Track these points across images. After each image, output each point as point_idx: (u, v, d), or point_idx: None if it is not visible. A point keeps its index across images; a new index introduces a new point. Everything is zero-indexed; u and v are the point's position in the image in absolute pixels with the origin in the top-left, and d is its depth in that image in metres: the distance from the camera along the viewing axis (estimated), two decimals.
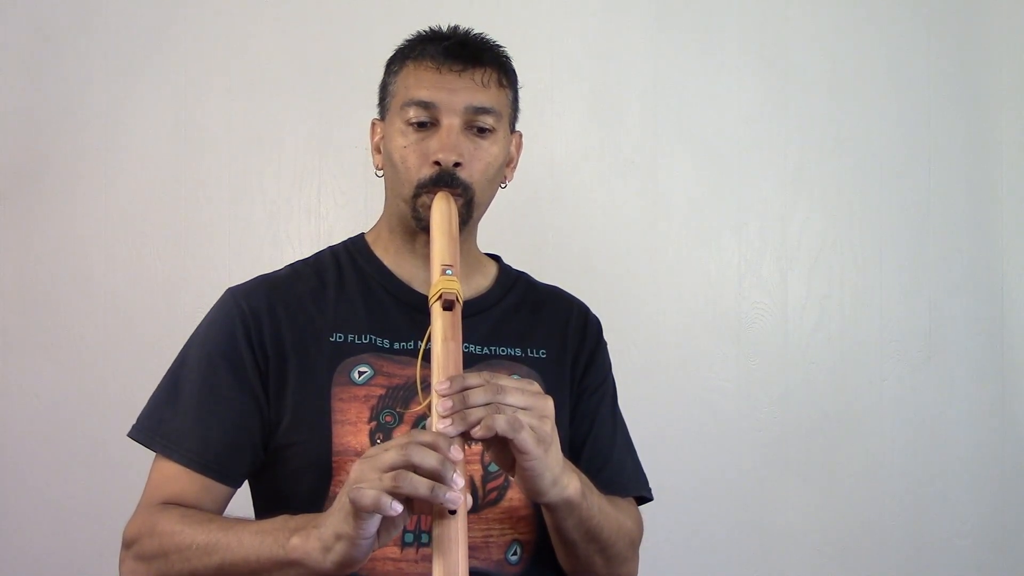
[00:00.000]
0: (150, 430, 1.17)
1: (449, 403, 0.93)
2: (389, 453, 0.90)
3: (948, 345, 2.02)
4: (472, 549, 1.03)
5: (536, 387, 0.99)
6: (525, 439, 0.94)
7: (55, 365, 1.90)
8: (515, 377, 1.00)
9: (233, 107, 1.94)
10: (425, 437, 0.91)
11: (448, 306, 1.00)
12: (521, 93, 2.08)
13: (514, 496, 1.14)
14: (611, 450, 1.26)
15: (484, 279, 1.28)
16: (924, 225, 2.03)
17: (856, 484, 1.99)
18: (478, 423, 0.92)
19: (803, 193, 2.02)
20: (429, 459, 0.89)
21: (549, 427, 0.97)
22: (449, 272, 1.02)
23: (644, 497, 1.28)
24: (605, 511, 1.11)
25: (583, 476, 1.08)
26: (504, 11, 1.99)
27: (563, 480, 1.02)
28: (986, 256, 2.04)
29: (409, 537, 1.09)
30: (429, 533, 1.01)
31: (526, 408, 0.95)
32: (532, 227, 1.97)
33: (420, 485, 0.88)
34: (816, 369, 2.00)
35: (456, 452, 0.91)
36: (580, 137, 2.00)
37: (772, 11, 2.03)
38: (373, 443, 1.09)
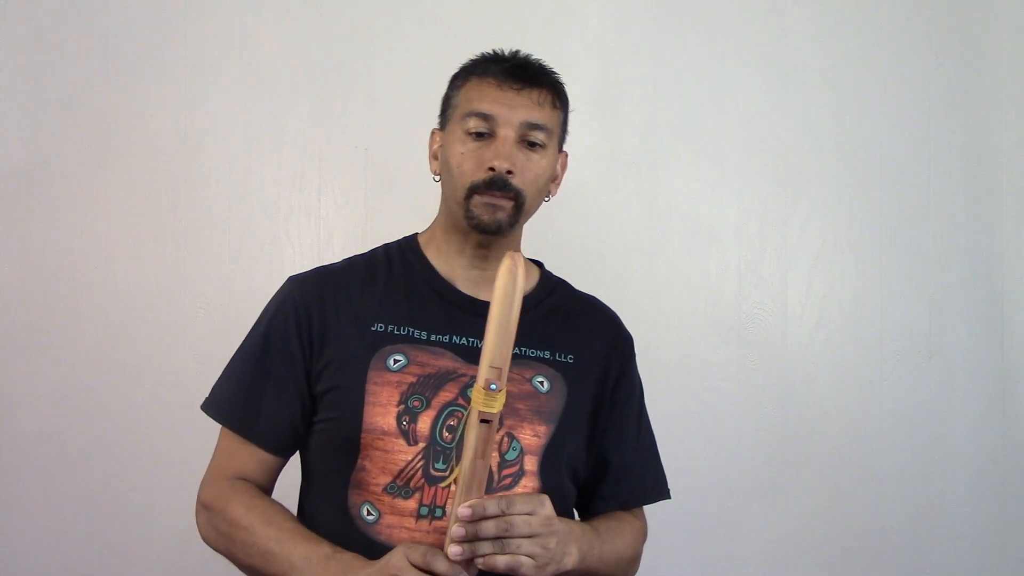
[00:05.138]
0: (213, 403, 1.30)
1: (462, 532, 1.07)
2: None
3: (948, 345, 2.02)
4: None
5: (545, 509, 1.11)
6: (526, 571, 1.09)
7: (55, 365, 1.90)
8: (523, 498, 1.11)
9: (233, 107, 1.94)
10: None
11: (485, 420, 1.06)
12: None
13: (528, 484, 1.22)
14: (634, 461, 1.35)
15: (525, 283, 1.34)
16: (924, 225, 2.03)
17: (856, 484, 1.99)
18: (482, 556, 1.08)
19: (803, 193, 2.02)
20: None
21: (553, 544, 1.11)
22: (494, 387, 1.06)
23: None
24: (606, 556, 1.24)
25: (586, 532, 1.22)
26: (504, 11, 1.99)
27: (562, 563, 1.14)
28: (986, 256, 2.04)
29: (424, 511, 1.19)
30: (443, 508, 1.17)
31: (532, 536, 1.09)
32: (532, 227, 1.97)
33: None
34: (816, 369, 2.00)
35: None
36: (580, 137, 1.99)
37: (772, 11, 2.03)
38: (399, 424, 1.20)
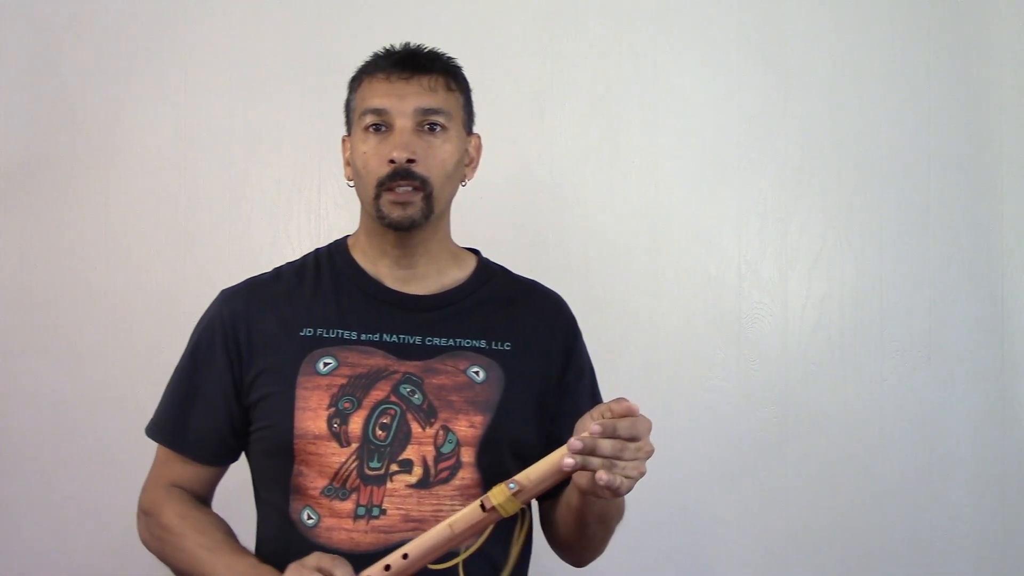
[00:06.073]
0: (151, 420, 1.35)
1: (579, 444, 1.04)
2: None
3: (948, 345, 2.02)
4: (423, 523, 1.18)
5: (648, 436, 1.08)
6: (622, 491, 1.07)
7: (55, 366, 1.90)
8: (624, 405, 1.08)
9: (233, 107, 1.94)
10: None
11: (484, 507, 1.07)
12: (522, 92, 2.08)
13: (466, 476, 1.23)
14: None
15: (461, 272, 1.35)
16: (924, 225, 2.03)
17: (856, 484, 1.99)
18: (592, 469, 1.05)
19: (803, 193, 2.02)
20: None
21: (644, 468, 1.09)
22: (512, 487, 1.07)
23: None
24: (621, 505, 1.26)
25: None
26: (504, 11, 1.99)
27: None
28: (986, 256, 2.04)
29: (361, 511, 1.21)
30: (380, 507, 1.19)
31: (635, 460, 1.07)
32: (532, 227, 1.97)
33: None
34: (816, 369, 2.00)
35: None
36: (580, 137, 2.00)
37: (772, 11, 2.03)
38: (330, 427, 1.22)
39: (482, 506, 1.06)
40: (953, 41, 2.05)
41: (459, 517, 1.07)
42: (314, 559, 1.09)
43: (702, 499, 1.96)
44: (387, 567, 1.06)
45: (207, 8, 1.96)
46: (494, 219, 1.97)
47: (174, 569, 1.26)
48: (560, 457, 1.06)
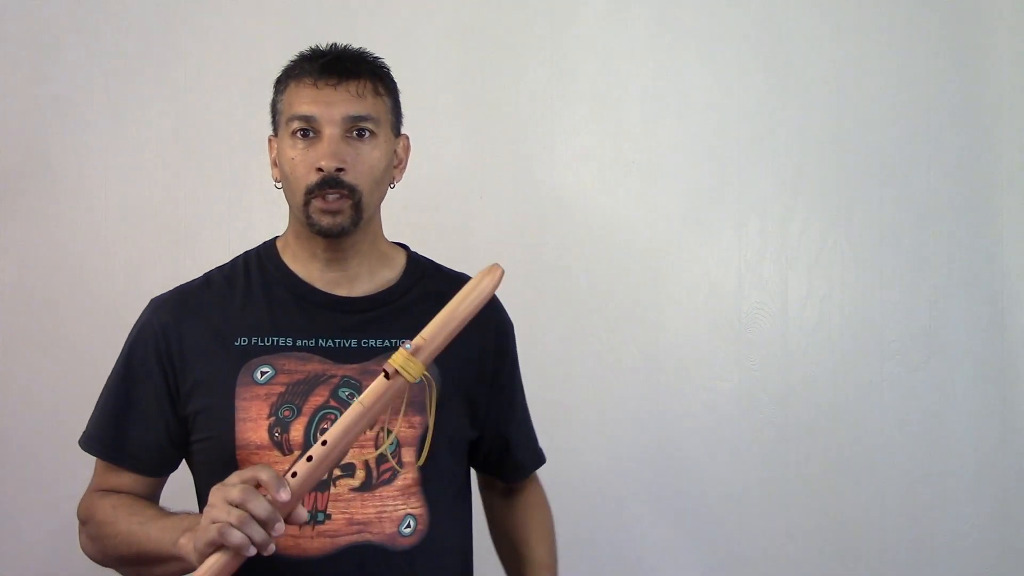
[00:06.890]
0: (85, 434, 1.35)
1: None
2: (235, 490, 1.05)
3: (948, 345, 2.02)
4: (366, 524, 1.21)
5: None
6: None
7: (55, 365, 1.90)
8: None
9: (233, 107, 1.94)
10: (262, 477, 1.06)
11: (387, 375, 1.07)
12: (521, 92, 2.07)
13: (407, 476, 1.24)
14: (519, 436, 1.43)
15: (391, 271, 1.35)
16: (924, 225, 2.03)
17: (856, 484, 1.99)
18: None
19: (803, 193, 2.02)
20: (260, 509, 1.04)
21: None
22: (408, 346, 1.07)
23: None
24: (553, 552, 1.40)
25: (550, 553, 1.40)
26: (503, 12, 1.99)
27: None
28: (986, 256, 2.04)
29: (307, 516, 1.21)
30: (325, 512, 1.20)
31: None
32: (532, 227, 1.97)
33: (235, 537, 1.04)
34: (816, 369, 2.00)
35: (284, 494, 1.04)
36: (580, 137, 2.00)
37: (773, 11, 2.03)
38: (271, 437, 1.22)
39: (385, 374, 1.06)
40: (953, 41, 2.05)
41: (367, 392, 1.07)
42: (235, 476, 1.07)
43: (701, 498, 1.96)
44: (309, 458, 1.06)
45: (207, 8, 1.95)
46: (495, 219, 1.97)
47: (116, 561, 1.26)
48: (452, 307, 1.08)
